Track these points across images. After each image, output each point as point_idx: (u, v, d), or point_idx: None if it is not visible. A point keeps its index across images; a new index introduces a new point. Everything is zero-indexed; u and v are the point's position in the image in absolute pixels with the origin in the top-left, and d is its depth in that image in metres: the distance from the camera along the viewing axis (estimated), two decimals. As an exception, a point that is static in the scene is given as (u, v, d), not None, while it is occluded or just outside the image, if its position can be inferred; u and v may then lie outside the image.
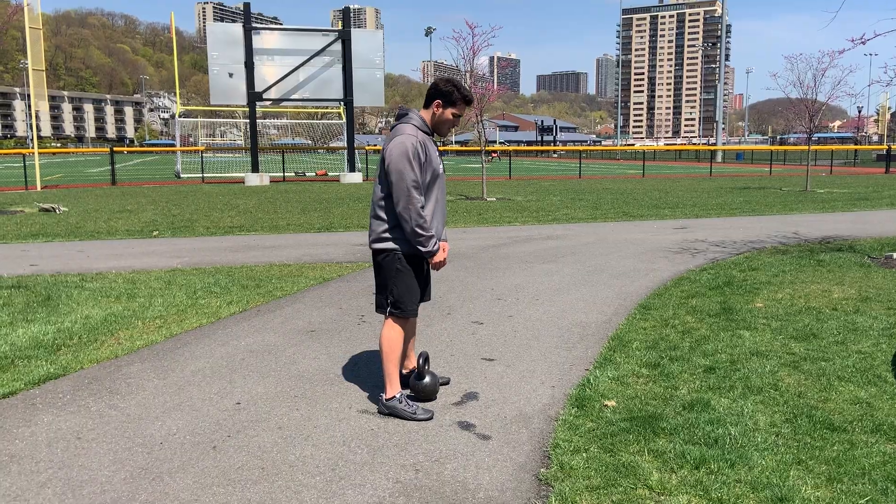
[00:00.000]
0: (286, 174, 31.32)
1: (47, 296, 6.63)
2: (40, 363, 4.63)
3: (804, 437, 3.41)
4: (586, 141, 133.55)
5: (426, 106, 3.78)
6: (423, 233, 3.63)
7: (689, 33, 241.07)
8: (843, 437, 3.41)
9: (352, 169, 28.73)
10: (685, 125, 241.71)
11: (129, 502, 2.88)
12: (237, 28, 26.29)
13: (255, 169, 27.12)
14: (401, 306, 3.78)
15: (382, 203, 3.72)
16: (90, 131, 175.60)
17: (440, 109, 3.74)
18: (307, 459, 3.27)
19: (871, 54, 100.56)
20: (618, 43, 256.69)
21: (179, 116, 36.22)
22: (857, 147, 46.02)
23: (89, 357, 4.78)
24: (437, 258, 3.75)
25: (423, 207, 3.63)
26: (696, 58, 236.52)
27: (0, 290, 6.89)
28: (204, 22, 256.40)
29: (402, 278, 3.74)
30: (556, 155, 77.22)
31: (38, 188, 23.54)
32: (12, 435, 3.55)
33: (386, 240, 3.73)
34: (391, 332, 3.79)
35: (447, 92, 3.72)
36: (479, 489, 2.99)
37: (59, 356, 4.79)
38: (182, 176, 31.36)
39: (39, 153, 27.34)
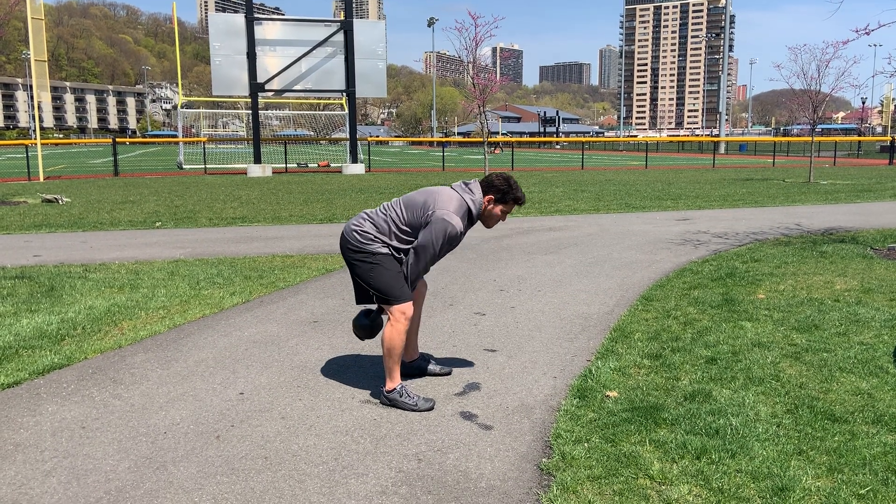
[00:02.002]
0: (288, 165, 31.29)
1: (51, 286, 6.65)
2: (44, 353, 4.65)
3: (805, 428, 3.42)
4: (589, 132, 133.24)
5: (484, 194, 3.80)
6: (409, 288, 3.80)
7: (692, 24, 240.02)
8: (844, 428, 3.42)
9: (354, 160, 28.70)
10: (688, 116, 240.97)
11: (134, 491, 2.90)
12: (239, 18, 26.22)
13: (257, 160, 27.11)
14: (391, 294, 3.74)
15: (396, 231, 3.73)
16: (92, 122, 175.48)
17: (491, 205, 3.80)
18: (310, 449, 3.29)
19: (875, 45, 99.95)
20: (621, 33, 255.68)
21: (181, 107, 36.18)
22: (861, 138, 45.87)
23: (93, 347, 4.80)
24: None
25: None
26: (700, 48, 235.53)
27: (4, 281, 6.92)
28: (206, 12, 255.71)
29: (379, 270, 3.72)
30: (558, 146, 77.05)
31: (41, 179, 23.57)
32: (17, 424, 3.57)
33: (369, 242, 3.73)
34: (393, 330, 3.77)
35: (503, 191, 3.77)
36: (482, 479, 3.00)
37: (63, 346, 4.81)
38: (184, 167, 31.36)
39: (42, 144, 27.35)
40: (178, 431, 3.48)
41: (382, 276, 3.71)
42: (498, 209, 3.81)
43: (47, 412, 3.73)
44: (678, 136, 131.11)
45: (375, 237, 3.72)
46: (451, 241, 3.69)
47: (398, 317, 3.76)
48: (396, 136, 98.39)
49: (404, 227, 3.72)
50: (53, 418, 3.65)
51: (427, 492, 2.90)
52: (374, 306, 4.03)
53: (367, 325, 3.96)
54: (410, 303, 3.80)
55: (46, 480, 2.99)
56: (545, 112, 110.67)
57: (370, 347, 4.84)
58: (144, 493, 2.88)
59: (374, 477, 3.02)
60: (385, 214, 3.77)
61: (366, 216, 3.82)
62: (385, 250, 3.72)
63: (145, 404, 3.83)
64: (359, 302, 3.99)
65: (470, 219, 3.81)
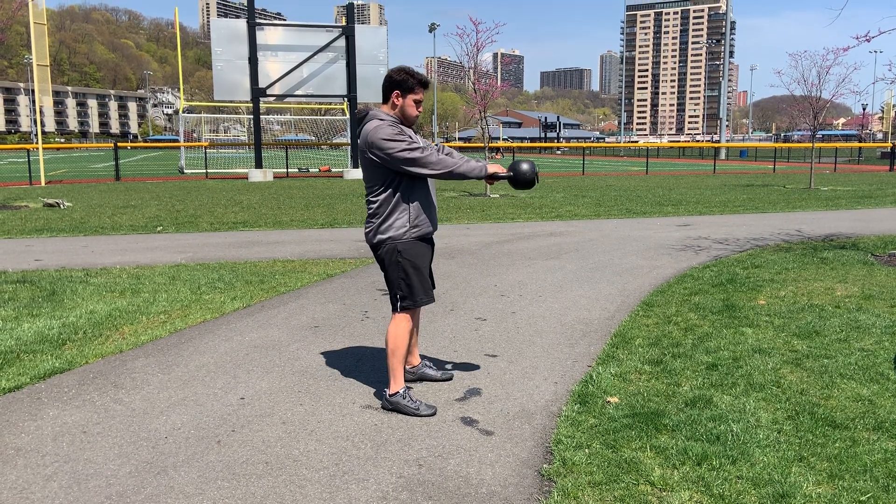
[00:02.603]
0: (290, 170, 31.33)
1: (52, 291, 6.66)
2: (46, 357, 4.65)
3: (806, 434, 3.42)
4: (590, 138, 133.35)
5: (385, 101, 3.77)
6: (461, 169, 3.66)
7: (693, 30, 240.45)
8: (844, 435, 3.42)
9: (355, 165, 28.73)
10: (689, 122, 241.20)
11: (135, 496, 2.90)
12: (241, 24, 26.29)
13: (258, 165, 27.15)
14: (410, 297, 3.78)
15: (372, 197, 3.76)
16: (94, 127, 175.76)
17: (400, 99, 3.74)
18: (311, 454, 3.29)
19: (875, 51, 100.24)
20: (622, 39, 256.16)
21: (183, 112, 36.24)
22: (862, 145, 45.86)
23: (94, 352, 4.80)
24: (492, 170, 3.75)
25: (430, 160, 3.64)
26: (700, 55, 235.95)
27: (5, 285, 6.92)
28: (208, 17, 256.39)
29: (405, 269, 3.75)
30: (559, 152, 77.12)
31: (43, 183, 23.60)
32: (18, 429, 3.57)
33: (381, 232, 3.75)
34: (397, 329, 3.79)
35: (402, 80, 3.71)
36: (482, 484, 3.00)
37: (64, 351, 4.82)
38: (186, 171, 31.39)
39: (44, 148, 27.39)
40: (179, 436, 3.48)
41: (408, 277, 3.74)
42: (409, 100, 3.74)
43: (48, 417, 3.73)
44: (679, 141, 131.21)
45: (377, 224, 3.75)
46: (401, 134, 3.62)
47: (403, 315, 3.79)
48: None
49: (371, 186, 3.74)
50: (55, 423, 3.65)
51: (428, 497, 2.90)
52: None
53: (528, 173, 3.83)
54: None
55: (48, 485, 2.99)
56: (546, 118, 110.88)
57: (371, 352, 4.85)
58: (145, 497, 2.88)
59: (374, 482, 3.02)
60: (367, 194, 3.80)
61: (367, 208, 3.86)
62: (391, 233, 3.72)
63: (146, 409, 3.84)
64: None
65: (399, 123, 3.73)
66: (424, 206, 3.78)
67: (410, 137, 3.69)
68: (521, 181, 3.85)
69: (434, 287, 4.04)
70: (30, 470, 3.13)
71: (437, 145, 3.86)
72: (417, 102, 3.76)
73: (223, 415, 3.75)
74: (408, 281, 3.76)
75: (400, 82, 3.71)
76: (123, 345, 4.97)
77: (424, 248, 3.83)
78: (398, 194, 3.71)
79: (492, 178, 3.80)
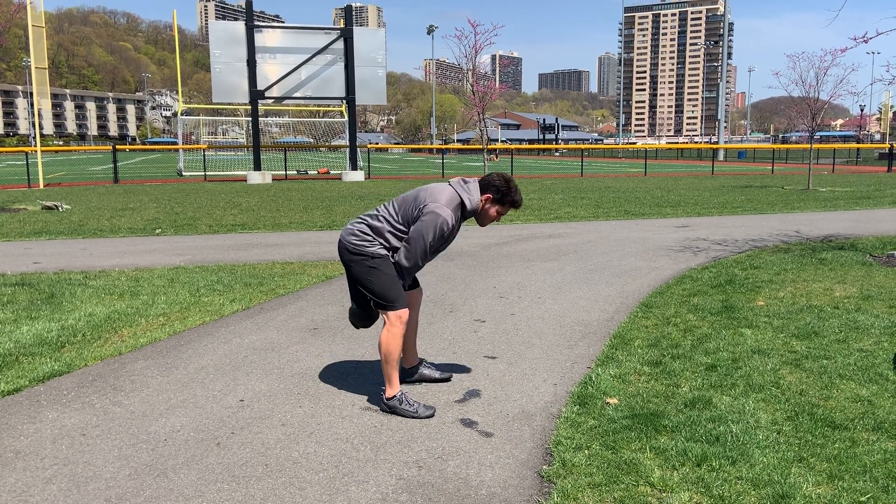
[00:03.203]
0: (288, 172, 31.33)
1: (51, 293, 6.65)
2: (45, 360, 4.65)
3: (805, 435, 3.42)
4: (588, 139, 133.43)
5: (482, 192, 3.80)
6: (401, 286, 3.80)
7: (691, 31, 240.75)
8: (844, 435, 3.42)
9: (354, 167, 28.74)
10: (687, 123, 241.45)
11: (134, 498, 2.90)
12: (239, 26, 26.31)
13: (257, 167, 27.15)
14: (388, 299, 3.74)
15: (390, 228, 3.74)
16: (92, 129, 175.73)
17: (488, 204, 3.80)
18: (311, 456, 3.29)
19: (873, 52, 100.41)
20: (620, 41, 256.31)
21: (182, 114, 36.26)
22: (860, 146, 45.93)
23: (93, 354, 4.80)
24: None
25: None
26: (699, 56, 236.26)
27: (4, 288, 6.92)
28: (206, 20, 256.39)
29: (377, 274, 3.72)
30: (557, 153, 77.16)
31: (41, 186, 23.58)
32: (17, 431, 3.57)
33: (367, 245, 3.73)
34: (389, 336, 3.77)
35: (502, 191, 3.77)
36: (482, 486, 3.00)
37: (63, 353, 4.81)
38: (184, 174, 31.39)
39: (42, 151, 27.38)
40: (179, 438, 3.48)
41: (380, 280, 3.71)
42: (494, 209, 3.80)
43: (48, 419, 3.73)
44: (677, 143, 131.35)
45: (372, 238, 3.73)
46: (443, 234, 3.68)
47: (394, 321, 3.76)
48: (396, 144, 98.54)
49: (398, 225, 3.73)
50: (54, 425, 3.64)
51: (427, 499, 2.90)
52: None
53: (360, 313, 3.95)
54: (406, 308, 3.81)
55: (47, 488, 2.99)
56: (544, 119, 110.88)
57: (370, 354, 4.85)
58: (145, 500, 2.88)
59: (374, 484, 3.02)
60: (379, 214, 3.79)
61: (361, 219, 3.83)
62: (382, 252, 3.73)
63: (145, 411, 3.83)
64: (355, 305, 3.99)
65: (463, 213, 3.79)
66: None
67: (449, 233, 3.73)
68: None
69: (419, 284, 4.11)
70: (29, 473, 3.12)
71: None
72: (499, 214, 3.85)
73: (222, 417, 3.75)
74: (382, 283, 3.73)
75: (500, 192, 3.77)
76: (122, 347, 4.97)
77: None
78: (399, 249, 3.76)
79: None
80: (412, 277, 3.94)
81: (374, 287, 3.73)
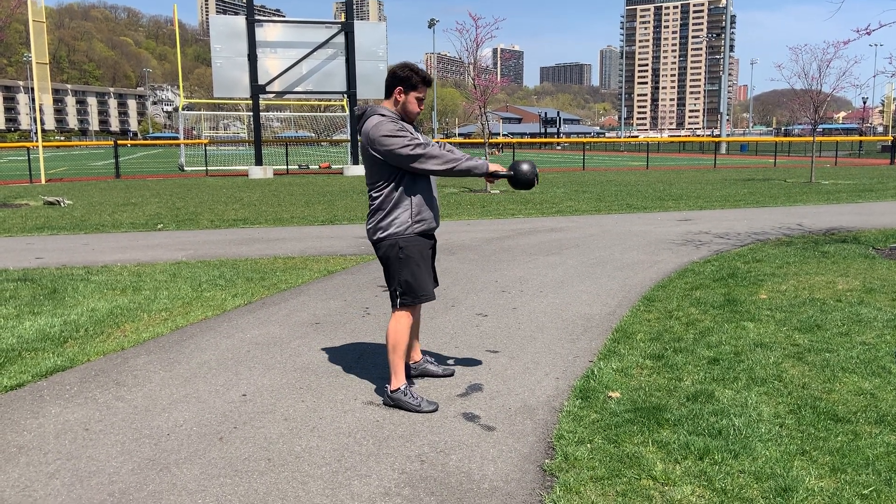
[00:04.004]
0: (289, 167, 31.32)
1: (53, 288, 6.66)
2: (47, 355, 4.66)
3: (808, 428, 3.42)
4: (590, 133, 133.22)
5: (387, 97, 3.77)
6: (464, 165, 3.68)
7: (693, 24, 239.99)
8: (847, 428, 3.42)
9: (355, 161, 28.71)
10: (689, 117, 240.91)
11: (137, 493, 2.90)
12: (240, 20, 26.25)
13: (258, 162, 27.14)
14: (410, 293, 3.76)
15: (374, 192, 3.75)
16: (93, 124, 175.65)
17: (402, 96, 3.73)
18: (313, 450, 3.29)
19: (876, 45, 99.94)
20: (622, 34, 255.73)
21: (183, 109, 36.22)
22: (862, 138, 45.81)
23: (96, 349, 4.80)
24: (493, 168, 3.77)
25: (433, 157, 3.63)
26: (701, 49, 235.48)
27: (6, 283, 6.92)
28: (207, 14, 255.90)
29: (406, 265, 3.74)
30: (559, 147, 77.02)
31: (43, 181, 23.60)
32: (20, 426, 3.58)
33: (382, 229, 3.74)
34: (398, 325, 3.79)
35: (405, 77, 3.70)
36: (484, 480, 3.00)
37: (65, 348, 4.82)
38: (186, 169, 31.39)
39: (43, 146, 27.38)
40: (182, 433, 3.48)
41: (412, 273, 3.73)
42: (412, 96, 3.73)
43: (50, 414, 3.73)
44: (679, 136, 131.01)
45: (377, 221, 3.74)
46: (401, 129, 3.61)
47: (403, 312, 3.78)
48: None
49: (377, 185, 3.72)
50: (56, 420, 3.65)
51: (430, 493, 2.90)
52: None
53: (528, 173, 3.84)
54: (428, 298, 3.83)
55: (50, 482, 2.99)
56: (546, 113, 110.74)
57: (372, 348, 4.85)
58: (148, 494, 2.89)
59: (377, 478, 3.02)
60: (369, 189, 3.79)
61: (369, 210, 3.85)
62: (393, 229, 3.71)
63: (148, 406, 3.84)
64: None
65: (400, 119, 3.73)
66: (427, 201, 3.78)
67: (411, 133, 3.68)
68: (521, 181, 3.86)
69: (437, 284, 4.03)
70: (32, 468, 3.13)
71: (438, 143, 3.85)
72: (419, 100, 3.75)
73: (225, 412, 3.75)
74: (408, 277, 3.75)
75: (403, 79, 3.70)
76: (125, 342, 4.98)
77: (425, 244, 3.82)
78: (400, 189, 3.70)
79: (492, 175, 3.80)
80: (449, 162, 3.66)
81: (400, 276, 3.74)
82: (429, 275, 3.86)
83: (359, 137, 3.74)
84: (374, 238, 3.78)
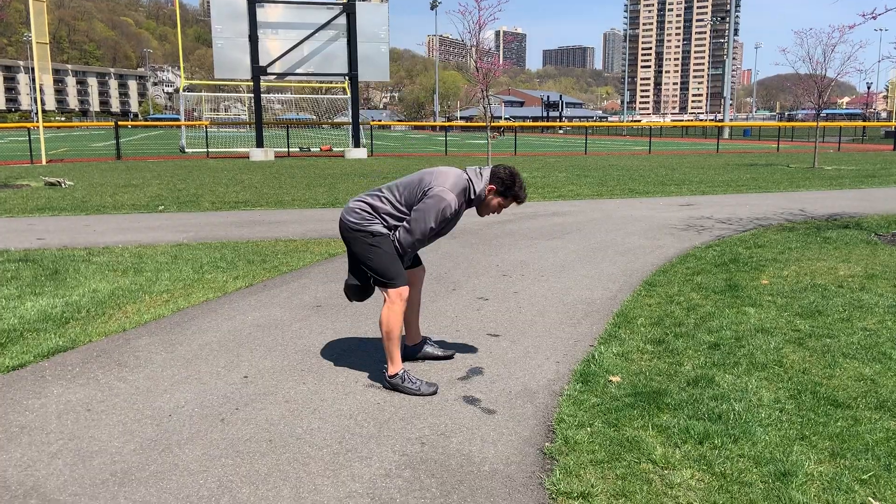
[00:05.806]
0: (291, 149, 31.24)
1: (55, 269, 6.66)
2: (49, 336, 4.67)
3: (808, 413, 3.43)
4: (592, 117, 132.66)
5: (492, 181, 3.76)
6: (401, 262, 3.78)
7: (697, 7, 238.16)
8: (846, 414, 3.42)
9: (356, 144, 28.63)
10: (692, 101, 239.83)
11: (139, 472, 2.92)
12: (241, 1, 26.05)
13: (259, 144, 27.06)
14: (388, 276, 3.73)
15: (385, 205, 3.72)
16: (94, 105, 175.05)
17: (491, 195, 3.77)
18: (314, 432, 3.30)
19: (881, 29, 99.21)
20: (625, 17, 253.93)
21: (183, 91, 36.06)
22: (866, 124, 45.62)
23: (97, 330, 4.81)
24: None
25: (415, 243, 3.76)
26: (705, 32, 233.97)
27: (8, 264, 6.93)
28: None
29: (377, 251, 3.71)
30: (561, 131, 76.78)
31: (44, 162, 23.55)
32: (23, 406, 3.59)
33: (362, 225, 3.72)
34: (390, 313, 3.77)
35: (506, 185, 3.74)
36: (485, 462, 3.02)
37: (67, 329, 4.83)
38: (186, 150, 31.31)
39: (44, 127, 27.30)
40: (183, 414, 3.50)
41: (380, 257, 3.71)
42: (496, 201, 3.79)
43: (53, 394, 3.75)
44: (682, 120, 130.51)
45: (372, 216, 3.72)
46: (445, 217, 3.67)
47: (394, 299, 3.75)
48: (399, 121, 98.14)
49: (401, 207, 3.71)
50: (59, 400, 3.67)
51: (430, 475, 2.91)
52: None
53: (355, 287, 3.94)
54: (406, 286, 3.80)
55: (52, 462, 3.01)
56: (548, 96, 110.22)
57: (373, 331, 4.85)
58: (150, 474, 2.90)
59: (377, 460, 3.04)
60: (382, 195, 3.77)
61: (362, 197, 3.82)
62: (384, 230, 3.71)
63: (150, 387, 3.85)
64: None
65: (468, 200, 3.78)
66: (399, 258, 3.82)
67: (448, 219, 3.71)
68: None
69: (421, 262, 4.12)
70: (35, 447, 3.15)
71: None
72: (501, 207, 3.83)
73: (226, 393, 3.77)
74: (381, 261, 3.72)
75: (505, 185, 3.74)
76: (126, 323, 4.99)
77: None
78: (393, 232, 3.74)
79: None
80: (411, 257, 3.93)
81: (374, 264, 3.72)
82: (397, 256, 3.82)
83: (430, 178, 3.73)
84: (354, 223, 3.76)
